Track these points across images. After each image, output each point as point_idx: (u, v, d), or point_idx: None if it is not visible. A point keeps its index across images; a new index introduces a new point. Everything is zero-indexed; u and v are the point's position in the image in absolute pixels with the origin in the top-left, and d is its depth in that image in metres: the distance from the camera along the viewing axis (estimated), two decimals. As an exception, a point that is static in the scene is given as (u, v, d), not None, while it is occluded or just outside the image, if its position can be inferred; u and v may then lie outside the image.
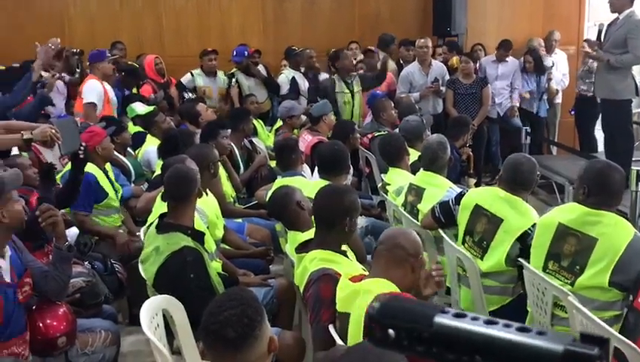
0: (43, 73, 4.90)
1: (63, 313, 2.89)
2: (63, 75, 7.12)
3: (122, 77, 6.84)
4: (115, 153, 4.80)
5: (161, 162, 4.34)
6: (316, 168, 4.22)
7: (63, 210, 3.68)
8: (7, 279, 2.68)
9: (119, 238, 4.28)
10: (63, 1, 8.71)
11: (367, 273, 2.50)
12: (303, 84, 7.39)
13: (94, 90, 5.83)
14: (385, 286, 2.22)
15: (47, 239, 3.28)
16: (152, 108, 5.87)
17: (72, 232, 4.06)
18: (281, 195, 3.37)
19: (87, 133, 4.27)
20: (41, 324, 2.81)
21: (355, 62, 7.30)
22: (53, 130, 3.45)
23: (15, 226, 2.72)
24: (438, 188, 3.84)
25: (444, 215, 3.56)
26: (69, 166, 4.10)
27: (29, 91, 4.73)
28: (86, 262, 3.74)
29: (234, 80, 7.32)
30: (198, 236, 3.12)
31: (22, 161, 3.68)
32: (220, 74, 7.45)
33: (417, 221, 3.74)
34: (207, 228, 3.61)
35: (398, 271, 2.31)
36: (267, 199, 3.63)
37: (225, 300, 1.76)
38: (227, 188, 4.80)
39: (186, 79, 7.36)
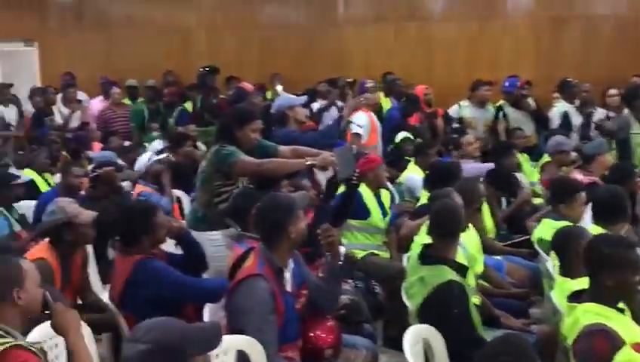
0: None
1: (331, 326, 3.11)
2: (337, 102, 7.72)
3: (403, 103, 7.14)
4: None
5: (426, 193, 4.46)
6: (589, 213, 3.98)
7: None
8: (289, 288, 2.98)
9: None
10: (342, 38, 9.41)
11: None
12: (576, 119, 7.04)
13: (362, 119, 6.20)
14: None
15: (319, 254, 3.57)
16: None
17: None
18: (568, 232, 3.25)
19: (364, 160, 4.57)
20: (311, 334, 3.05)
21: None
22: (333, 158, 3.77)
23: (299, 242, 3.02)
24: None
25: None
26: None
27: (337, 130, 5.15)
28: (350, 281, 3.99)
29: (501, 113, 7.23)
30: (462, 270, 3.15)
31: (305, 183, 4.06)
32: (489, 105, 7.40)
33: None
34: (467, 262, 3.63)
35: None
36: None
37: (501, 345, 1.76)
38: (489, 223, 4.75)
39: (453, 110, 7.46)
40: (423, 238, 3.70)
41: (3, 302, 2.23)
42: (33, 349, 2.19)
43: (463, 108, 7.39)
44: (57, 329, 2.30)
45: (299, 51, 9.95)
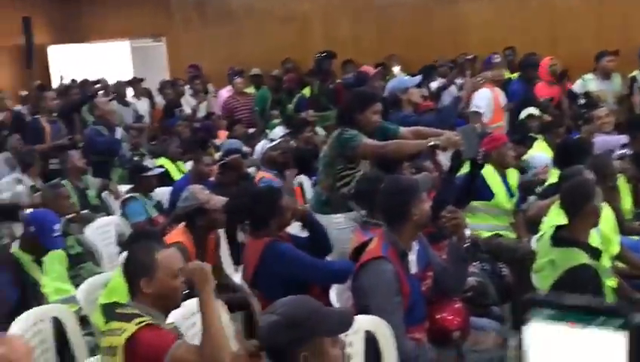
0: None
1: (459, 308, 3.09)
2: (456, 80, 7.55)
3: (522, 74, 6.87)
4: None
5: (556, 171, 4.28)
6: None
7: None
8: (414, 271, 2.98)
9: None
10: (460, 13, 9.18)
11: None
12: None
13: (484, 98, 6.01)
14: None
15: (444, 237, 3.53)
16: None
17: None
18: None
19: (488, 139, 4.46)
20: (438, 316, 3.04)
21: None
22: (457, 137, 3.70)
23: (424, 224, 3.00)
24: None
25: None
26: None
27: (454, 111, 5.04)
28: (477, 263, 3.92)
29: (636, 84, 6.77)
30: (596, 254, 3.01)
31: (427, 165, 4.02)
32: (616, 76, 6.94)
33: None
34: (601, 242, 3.46)
35: None
36: None
37: None
38: (627, 202, 4.49)
39: (577, 85, 7.06)
40: (552, 219, 3.57)
41: (136, 287, 2.38)
42: (167, 329, 2.33)
43: (587, 82, 6.96)
44: (189, 281, 2.40)
45: (416, 30, 9.82)
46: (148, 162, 5.59)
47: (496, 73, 6.08)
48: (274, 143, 5.49)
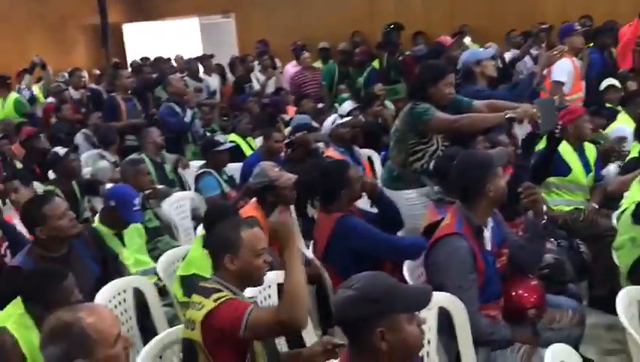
0: None
1: (535, 286, 3.02)
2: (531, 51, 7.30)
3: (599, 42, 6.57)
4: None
5: (637, 144, 4.11)
6: None
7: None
8: (488, 247, 2.93)
9: None
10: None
11: None
12: None
13: (564, 68, 5.76)
14: None
15: (519, 212, 3.46)
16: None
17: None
18: None
19: (565, 111, 4.31)
20: (513, 293, 2.98)
21: None
22: (534, 110, 3.59)
23: (498, 201, 2.94)
24: None
25: None
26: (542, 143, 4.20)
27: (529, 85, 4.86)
28: (552, 239, 3.82)
29: None
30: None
31: (502, 139, 3.92)
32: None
33: None
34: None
35: None
36: None
37: None
38: None
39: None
40: (634, 195, 3.43)
41: (220, 262, 2.41)
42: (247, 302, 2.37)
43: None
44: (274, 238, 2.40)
45: (487, 2, 9.55)
46: (219, 137, 5.69)
47: (575, 41, 5.80)
48: (344, 120, 5.46)
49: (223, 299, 2.30)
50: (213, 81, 9.23)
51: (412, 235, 3.63)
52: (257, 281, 2.48)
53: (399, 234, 3.71)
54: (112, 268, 3.61)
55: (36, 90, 8.85)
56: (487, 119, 3.86)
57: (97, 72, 10.48)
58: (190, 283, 3.24)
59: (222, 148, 5.25)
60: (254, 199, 3.87)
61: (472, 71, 4.64)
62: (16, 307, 2.63)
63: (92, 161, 5.93)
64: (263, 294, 3.17)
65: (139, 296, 3.31)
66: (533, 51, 7.42)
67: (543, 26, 7.87)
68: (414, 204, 3.90)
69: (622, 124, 5.10)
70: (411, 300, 1.85)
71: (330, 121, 5.49)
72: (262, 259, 2.42)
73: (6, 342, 2.49)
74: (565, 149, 4.32)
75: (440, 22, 9.50)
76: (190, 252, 3.56)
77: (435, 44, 7.60)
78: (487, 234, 2.94)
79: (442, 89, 3.95)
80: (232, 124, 6.81)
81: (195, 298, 2.38)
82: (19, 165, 5.82)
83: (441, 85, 3.94)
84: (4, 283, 3.10)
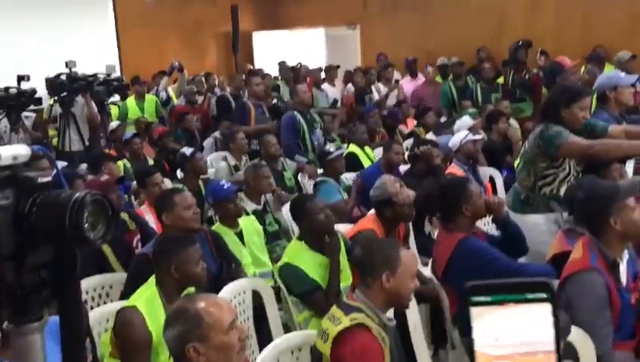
0: None
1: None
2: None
3: None
4: None
5: None
6: None
7: None
8: (624, 282, 2.75)
9: None
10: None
11: None
12: None
13: None
14: None
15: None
16: None
17: None
18: None
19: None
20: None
21: None
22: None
23: (631, 234, 2.75)
24: None
25: None
26: None
27: None
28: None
29: None
30: None
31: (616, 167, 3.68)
32: None
33: None
34: None
35: None
36: None
37: None
38: None
39: None
40: None
41: (377, 279, 2.43)
42: (374, 334, 2.35)
43: None
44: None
45: (625, 21, 9.05)
46: (330, 145, 5.76)
47: None
48: (477, 137, 5.39)
49: (355, 322, 2.32)
50: (335, 92, 9.34)
51: (536, 262, 3.48)
52: (405, 303, 2.50)
53: (521, 260, 3.57)
54: (230, 268, 3.70)
55: (171, 91, 9.34)
56: (623, 146, 3.66)
57: (220, 77, 10.81)
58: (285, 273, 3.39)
59: (334, 155, 5.31)
60: (373, 211, 3.86)
61: (606, 96, 4.40)
62: (147, 288, 2.78)
63: (216, 163, 6.15)
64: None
65: (257, 298, 3.37)
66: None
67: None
68: (541, 230, 3.73)
69: None
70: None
71: (460, 136, 5.38)
72: (414, 283, 2.44)
73: (134, 319, 2.63)
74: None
75: (570, 43, 9.11)
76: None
77: (554, 63, 7.31)
78: (622, 267, 2.76)
79: (576, 112, 3.76)
80: (349, 134, 6.85)
81: (336, 311, 2.41)
82: (150, 162, 6.14)
83: (576, 108, 3.76)
84: (135, 268, 3.27)
